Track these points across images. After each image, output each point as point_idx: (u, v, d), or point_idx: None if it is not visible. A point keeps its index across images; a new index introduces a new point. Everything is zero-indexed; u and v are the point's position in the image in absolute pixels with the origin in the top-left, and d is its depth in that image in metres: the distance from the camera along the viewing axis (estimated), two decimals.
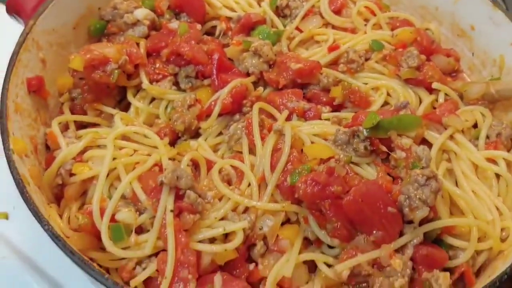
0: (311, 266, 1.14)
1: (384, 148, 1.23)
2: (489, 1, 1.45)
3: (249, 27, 1.50)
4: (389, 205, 1.09)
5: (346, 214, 1.09)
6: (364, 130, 1.21)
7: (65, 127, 1.33)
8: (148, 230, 1.12)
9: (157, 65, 1.41)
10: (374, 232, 1.09)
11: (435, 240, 1.17)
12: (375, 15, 1.58)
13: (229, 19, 1.54)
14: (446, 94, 1.41)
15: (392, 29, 1.56)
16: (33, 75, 1.28)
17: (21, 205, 1.55)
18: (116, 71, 1.32)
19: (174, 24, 1.44)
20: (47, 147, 1.31)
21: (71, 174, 1.21)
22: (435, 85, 1.40)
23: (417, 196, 1.10)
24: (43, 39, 1.33)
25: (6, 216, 1.59)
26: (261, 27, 1.50)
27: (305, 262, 1.13)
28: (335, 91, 1.37)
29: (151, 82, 1.39)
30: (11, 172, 1.07)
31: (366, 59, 1.46)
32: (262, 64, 1.40)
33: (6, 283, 1.46)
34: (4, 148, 1.10)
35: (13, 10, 1.39)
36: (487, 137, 1.34)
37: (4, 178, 1.59)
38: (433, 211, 1.14)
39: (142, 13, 1.46)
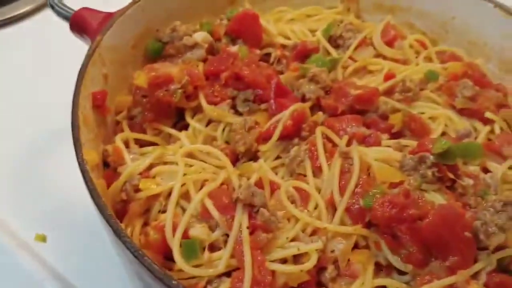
0: None
1: (451, 175, 1.22)
2: None
3: (304, 54, 1.52)
4: (466, 230, 1.08)
5: (424, 238, 1.07)
6: (432, 156, 1.21)
7: (125, 145, 1.31)
8: (220, 248, 1.09)
9: (216, 87, 1.41)
10: (450, 257, 1.07)
11: (504, 269, 1.14)
12: (425, 48, 1.61)
13: (284, 46, 1.56)
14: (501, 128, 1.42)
15: (441, 63, 1.58)
16: (97, 89, 1.28)
17: (59, 229, 1.55)
18: (179, 91, 1.31)
19: (234, 48, 1.46)
20: (105, 165, 1.29)
21: (136, 190, 1.19)
22: (488, 114, 1.40)
23: (494, 222, 1.09)
24: (107, 55, 1.33)
25: (43, 239, 1.55)
26: (317, 55, 1.51)
27: None
28: (394, 117, 1.37)
29: (209, 104, 1.38)
30: (86, 183, 1.04)
31: (421, 89, 1.47)
32: (319, 90, 1.41)
33: None
34: (77, 158, 1.08)
35: (77, 27, 1.39)
36: None
37: (43, 202, 1.60)
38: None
39: (200, 36, 1.48)
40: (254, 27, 1.52)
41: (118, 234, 0.96)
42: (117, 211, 1.20)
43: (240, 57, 1.43)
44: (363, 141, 1.34)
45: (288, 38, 1.59)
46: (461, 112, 1.43)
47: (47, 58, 1.86)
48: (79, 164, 1.06)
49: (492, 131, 1.41)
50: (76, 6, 1.44)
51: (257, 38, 1.53)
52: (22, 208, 1.59)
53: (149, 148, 1.27)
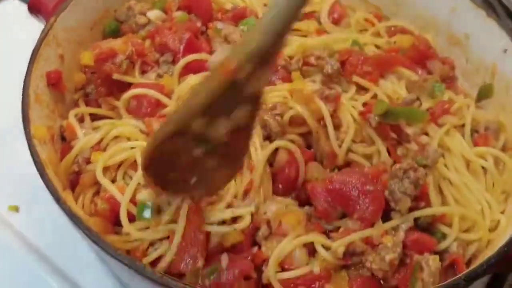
0: (311, 251, 1.21)
1: (393, 135, 1.33)
2: (482, 11, 1.54)
3: (240, 18, 1.56)
4: (368, 184, 1.19)
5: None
6: (376, 116, 1.30)
7: (80, 120, 1.40)
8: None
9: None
10: (358, 208, 1.18)
11: (429, 228, 1.26)
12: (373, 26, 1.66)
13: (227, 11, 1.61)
14: None
15: (390, 37, 1.63)
16: (52, 69, 1.36)
17: (33, 201, 1.64)
18: (124, 61, 1.39)
19: (178, 13, 1.54)
20: (62, 139, 1.38)
21: (88, 162, 1.28)
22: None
23: (399, 190, 1.19)
24: (62, 36, 1.41)
25: (16, 209, 1.65)
26: (249, 18, 1.55)
27: (305, 246, 1.20)
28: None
29: (142, 73, 1.45)
30: (32, 155, 1.13)
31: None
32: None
33: (16, 273, 1.51)
34: (25, 134, 1.17)
35: (35, 9, 1.47)
36: (476, 131, 1.45)
37: (16, 176, 1.69)
38: (426, 201, 1.23)
39: (154, 14, 1.55)
40: (203, 1, 1.57)
41: (58, 200, 1.06)
42: (71, 181, 1.30)
43: (176, 21, 1.49)
44: None
45: None
46: None
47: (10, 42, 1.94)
48: (27, 139, 1.15)
49: None
50: None
51: (208, 12, 1.57)
52: None
53: (100, 122, 1.36)
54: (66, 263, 1.50)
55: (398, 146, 1.35)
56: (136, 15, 1.54)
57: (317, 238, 1.19)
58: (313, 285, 1.17)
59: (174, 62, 1.44)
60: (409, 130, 1.35)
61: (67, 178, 1.29)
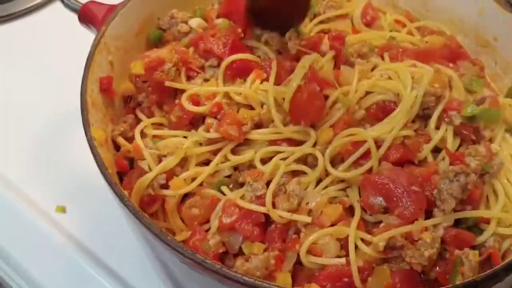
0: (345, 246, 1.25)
1: (473, 137, 1.37)
2: (509, 13, 1.58)
3: None
4: (414, 185, 1.24)
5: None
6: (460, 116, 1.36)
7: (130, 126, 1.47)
8: None
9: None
10: (400, 206, 1.23)
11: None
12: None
13: None
14: None
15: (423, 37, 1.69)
16: (104, 75, 1.45)
17: (79, 201, 1.72)
18: (172, 69, 1.47)
19: (218, 21, 1.61)
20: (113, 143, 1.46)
21: (162, 186, 1.34)
22: None
23: (446, 191, 1.24)
24: (112, 43, 1.49)
25: (63, 210, 1.73)
26: None
27: (339, 240, 1.24)
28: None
29: (188, 79, 1.52)
30: (94, 157, 1.21)
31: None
32: (273, 51, 1.52)
33: (66, 272, 1.61)
34: (86, 136, 1.25)
35: (85, 19, 1.56)
36: None
37: (63, 176, 1.78)
38: (473, 206, 1.27)
39: (196, 22, 1.62)
40: (241, 8, 1.58)
41: (121, 198, 1.13)
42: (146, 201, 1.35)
43: (218, 28, 1.55)
44: None
45: None
46: None
47: (61, 47, 2.04)
48: (88, 141, 1.23)
49: None
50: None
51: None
52: (43, 183, 1.78)
53: (156, 132, 1.45)
54: (117, 262, 1.59)
55: (466, 144, 1.38)
56: (179, 24, 1.62)
57: (355, 232, 1.23)
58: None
59: (219, 66, 1.49)
60: (486, 133, 1.39)
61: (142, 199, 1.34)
